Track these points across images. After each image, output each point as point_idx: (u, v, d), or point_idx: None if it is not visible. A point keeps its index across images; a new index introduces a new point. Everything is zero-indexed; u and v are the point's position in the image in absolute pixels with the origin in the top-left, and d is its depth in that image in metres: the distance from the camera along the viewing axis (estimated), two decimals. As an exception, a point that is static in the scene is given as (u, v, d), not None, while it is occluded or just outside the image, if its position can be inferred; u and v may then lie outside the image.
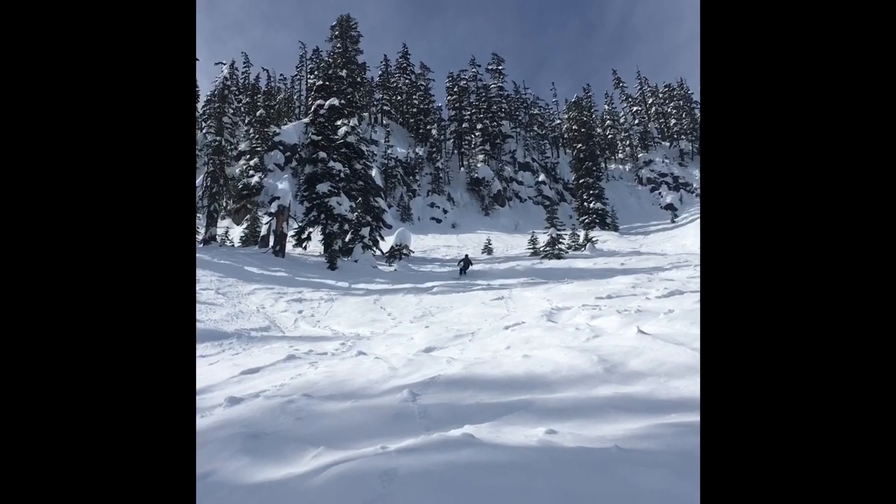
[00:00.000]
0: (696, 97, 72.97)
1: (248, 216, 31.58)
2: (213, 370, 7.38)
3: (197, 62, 23.44)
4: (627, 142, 71.93)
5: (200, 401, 5.27)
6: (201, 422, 4.41)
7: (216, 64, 35.02)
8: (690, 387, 4.49)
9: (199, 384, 6.16)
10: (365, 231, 28.38)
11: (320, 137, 28.10)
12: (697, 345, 5.71)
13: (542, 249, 31.57)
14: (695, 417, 3.74)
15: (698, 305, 9.72)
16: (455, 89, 66.85)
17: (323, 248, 26.83)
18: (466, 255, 25.54)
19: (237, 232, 34.43)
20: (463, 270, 24.13)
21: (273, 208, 26.42)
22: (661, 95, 75.31)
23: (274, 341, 10.48)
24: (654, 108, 74.84)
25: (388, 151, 53.22)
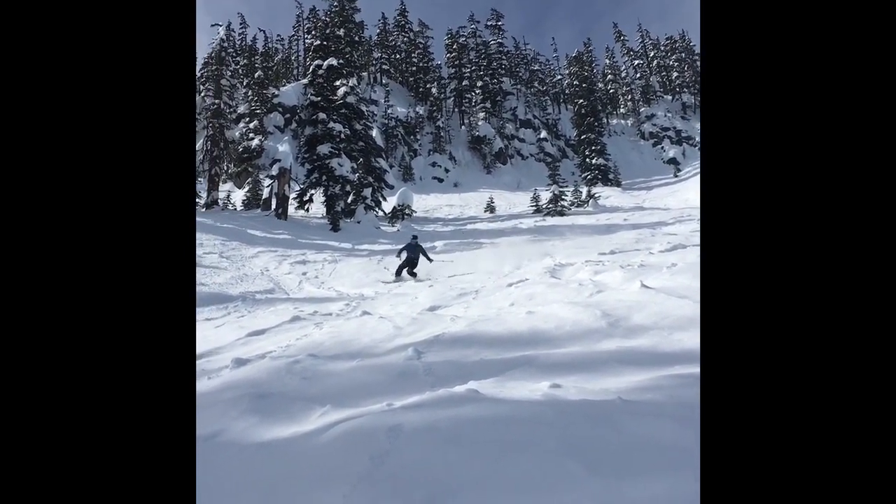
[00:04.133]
0: (699, 49, 71.99)
1: (249, 179, 31.45)
2: (219, 332, 7.43)
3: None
4: (629, 96, 71.05)
5: (207, 363, 5.32)
6: (209, 383, 4.45)
7: (212, 25, 34.63)
8: (693, 339, 4.51)
9: (205, 346, 6.22)
10: (367, 192, 28.27)
11: (319, 98, 27.81)
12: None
13: (544, 207, 31.46)
14: (698, 369, 3.77)
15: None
16: (454, 47, 65.83)
17: (325, 209, 26.75)
18: (414, 237, 15.64)
19: (239, 195, 34.28)
20: (403, 269, 14.80)
21: (274, 171, 26.29)
22: (662, 48, 74.10)
23: (279, 303, 10.52)
24: (655, 62, 73.64)
25: (389, 111, 52.72)
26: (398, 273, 14.58)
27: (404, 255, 14.90)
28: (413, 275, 14.65)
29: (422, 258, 15.05)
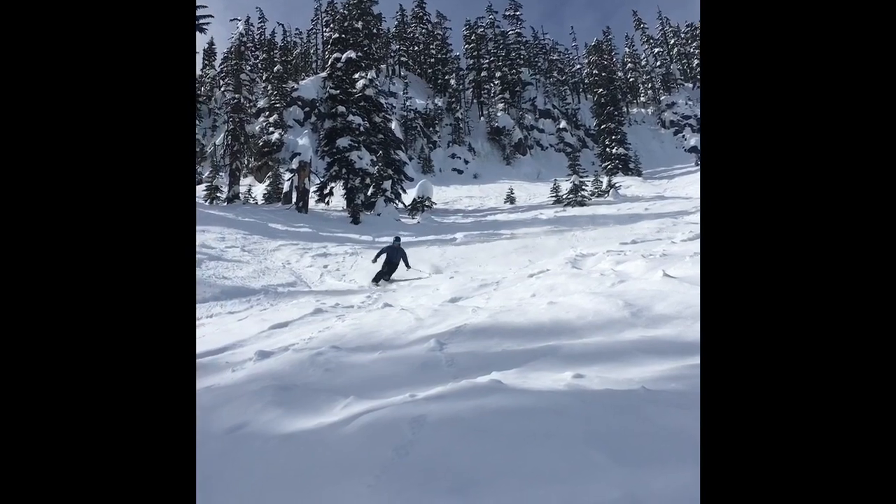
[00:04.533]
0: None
1: (269, 173, 31.62)
2: (242, 326, 7.50)
3: (212, 18, 23.28)
4: (649, 85, 70.28)
5: (231, 356, 5.37)
6: (233, 376, 4.50)
7: (231, 20, 34.70)
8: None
9: (229, 340, 6.28)
10: (387, 184, 28.28)
11: (338, 91, 27.85)
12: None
13: (564, 197, 31.25)
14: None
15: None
16: (472, 37, 65.51)
17: (345, 202, 26.82)
18: (397, 239, 14.41)
19: (260, 189, 34.42)
20: (381, 277, 13.03)
21: (294, 164, 26.42)
22: (683, 35, 73.14)
23: (301, 296, 10.60)
24: (676, 49, 72.73)
25: (407, 103, 52.59)
26: (376, 280, 12.82)
27: (383, 259, 13.53)
28: (389, 280, 13.04)
29: (401, 264, 13.50)
